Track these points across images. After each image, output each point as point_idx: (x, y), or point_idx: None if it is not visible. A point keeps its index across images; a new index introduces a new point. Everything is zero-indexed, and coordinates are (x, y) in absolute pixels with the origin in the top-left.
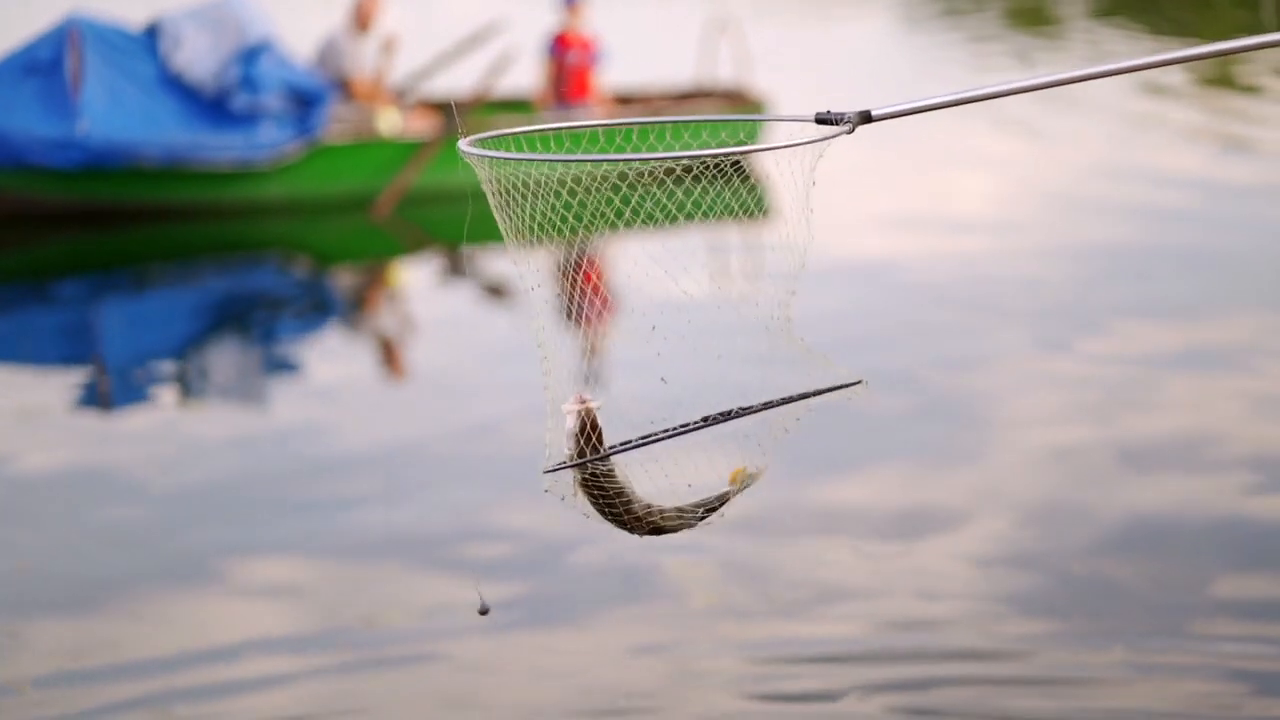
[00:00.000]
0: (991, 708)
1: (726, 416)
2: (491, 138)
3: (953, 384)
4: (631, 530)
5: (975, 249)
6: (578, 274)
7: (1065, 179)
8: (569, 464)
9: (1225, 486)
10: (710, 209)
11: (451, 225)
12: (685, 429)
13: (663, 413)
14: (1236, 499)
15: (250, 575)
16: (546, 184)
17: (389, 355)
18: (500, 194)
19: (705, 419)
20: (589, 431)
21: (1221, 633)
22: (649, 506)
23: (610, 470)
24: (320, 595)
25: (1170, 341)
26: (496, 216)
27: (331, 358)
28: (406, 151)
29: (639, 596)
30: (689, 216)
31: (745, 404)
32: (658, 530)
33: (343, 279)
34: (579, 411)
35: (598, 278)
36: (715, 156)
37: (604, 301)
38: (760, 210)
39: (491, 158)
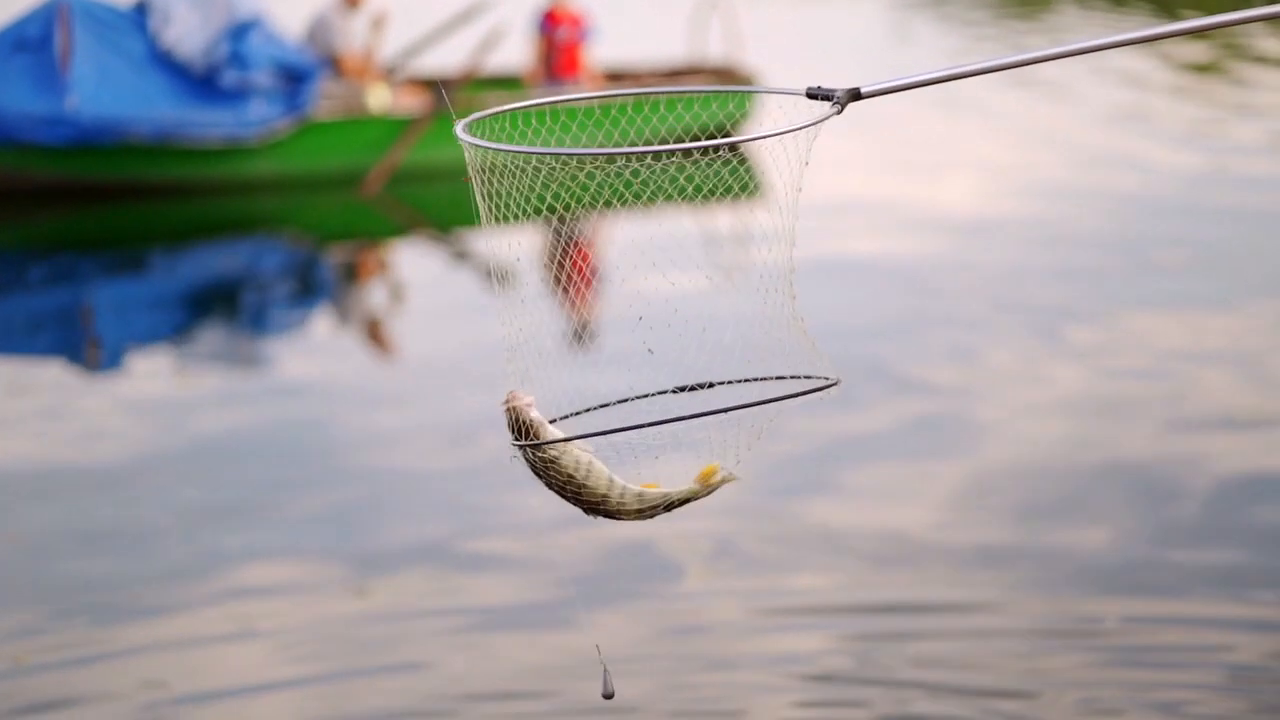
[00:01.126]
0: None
1: (695, 387)
2: (483, 117)
3: (941, 372)
4: (587, 512)
5: (964, 239)
6: (566, 253)
7: (1056, 167)
8: (520, 444)
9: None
10: (701, 188)
11: (441, 202)
12: (642, 425)
13: (642, 390)
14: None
15: (233, 549)
16: (535, 164)
17: (377, 332)
18: (486, 171)
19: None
20: (518, 427)
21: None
22: (607, 493)
23: (555, 458)
24: (310, 573)
25: (1163, 331)
26: (477, 196)
27: (320, 335)
28: (396, 128)
29: (637, 571)
30: (679, 196)
31: (717, 400)
32: (612, 516)
33: (332, 256)
34: (506, 409)
35: (586, 258)
36: (707, 147)
37: (590, 282)
38: (751, 190)
39: (486, 148)
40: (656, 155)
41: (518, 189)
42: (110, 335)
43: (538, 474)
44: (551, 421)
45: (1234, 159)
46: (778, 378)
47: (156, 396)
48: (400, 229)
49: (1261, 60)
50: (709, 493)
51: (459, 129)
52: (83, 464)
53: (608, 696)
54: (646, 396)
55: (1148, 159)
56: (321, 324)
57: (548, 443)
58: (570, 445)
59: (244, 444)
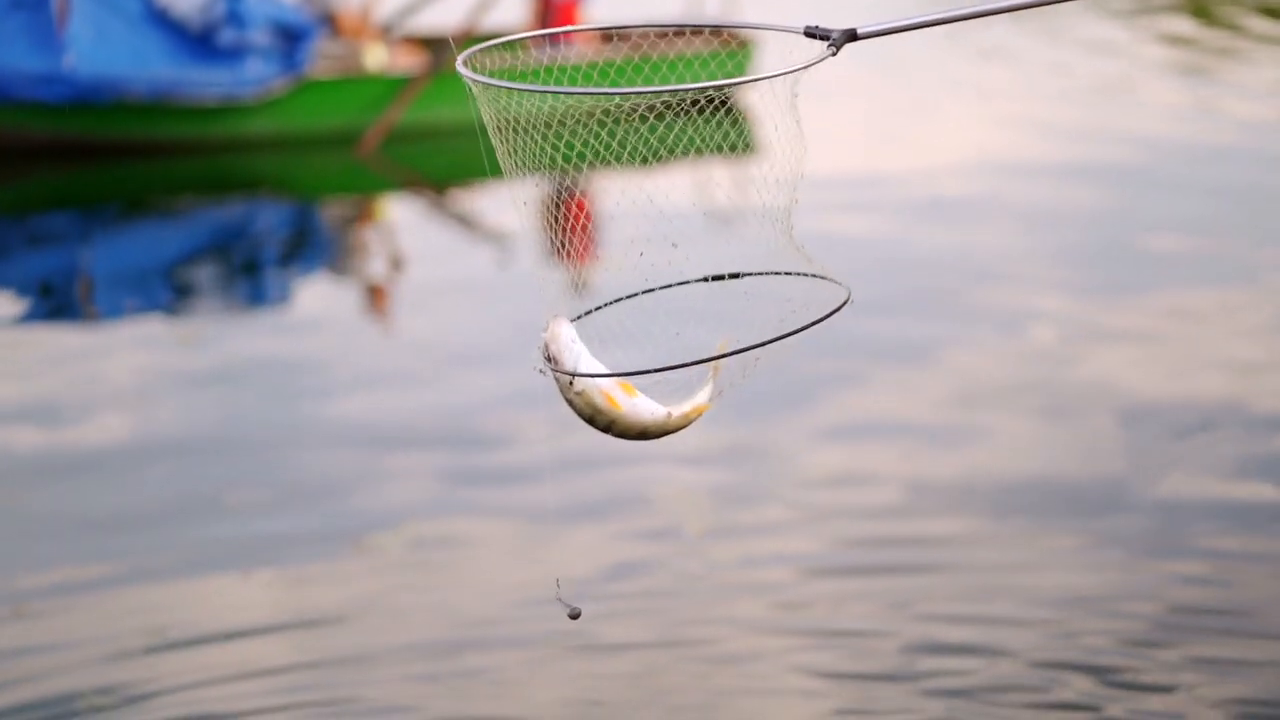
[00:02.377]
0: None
1: (722, 277)
2: (485, 48)
3: (939, 321)
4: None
5: (972, 193)
6: (564, 210)
7: (1053, 123)
8: (554, 371)
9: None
10: (696, 145)
11: (438, 161)
12: (659, 369)
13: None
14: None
15: (227, 508)
16: (533, 120)
17: (373, 291)
18: (488, 110)
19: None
20: (547, 354)
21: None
22: (639, 432)
23: (579, 395)
24: (303, 531)
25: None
26: (489, 128)
27: (316, 293)
28: (393, 87)
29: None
30: (675, 153)
31: (741, 289)
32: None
33: (328, 214)
34: (544, 339)
35: (584, 213)
36: (702, 90)
37: (589, 237)
38: (746, 146)
39: (486, 84)
40: (652, 109)
41: (519, 144)
42: (106, 293)
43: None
44: (579, 318)
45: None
46: (798, 274)
47: (152, 355)
48: (397, 188)
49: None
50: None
51: (459, 62)
52: (78, 425)
53: (574, 616)
54: (672, 286)
55: (1151, 109)
56: (317, 282)
57: (560, 371)
58: (588, 392)
59: (239, 402)
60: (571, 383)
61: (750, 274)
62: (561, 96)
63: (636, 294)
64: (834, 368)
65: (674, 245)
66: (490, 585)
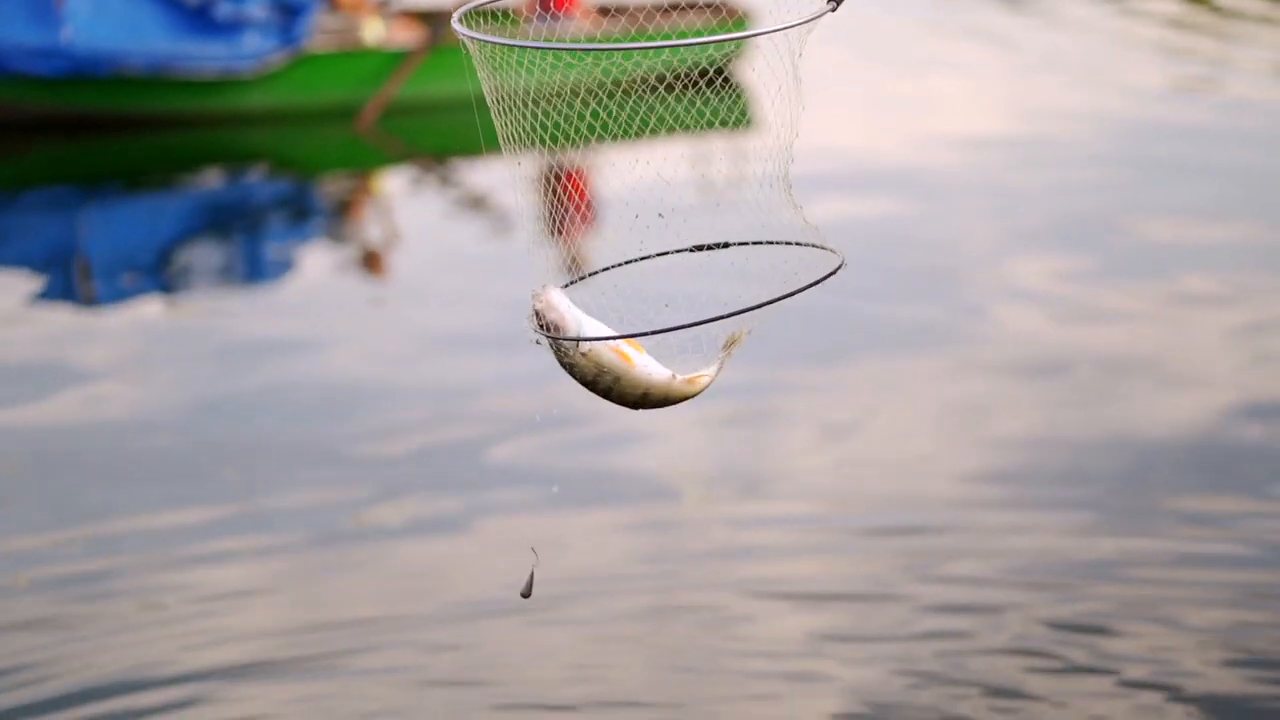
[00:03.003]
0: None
1: (711, 246)
2: (481, 7)
3: (931, 289)
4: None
5: (960, 163)
6: (561, 184)
7: (1043, 95)
8: (545, 336)
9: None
10: (694, 120)
11: (436, 136)
12: (659, 330)
13: (649, 308)
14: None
15: (220, 481)
16: (530, 94)
17: (370, 265)
18: (484, 69)
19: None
20: (541, 324)
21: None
22: (641, 393)
23: (574, 364)
24: (295, 500)
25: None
26: (485, 93)
27: (313, 267)
28: (391, 61)
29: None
30: (673, 128)
31: (728, 259)
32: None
33: (326, 188)
34: (534, 306)
35: (582, 188)
36: (702, 43)
37: (587, 211)
38: (744, 121)
39: (481, 40)
40: (647, 90)
41: (516, 117)
42: (104, 266)
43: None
44: (569, 284)
45: (1225, 86)
46: (788, 243)
47: (148, 329)
48: (395, 162)
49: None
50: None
51: (455, 19)
52: (76, 398)
53: (525, 595)
54: (664, 255)
55: (1138, 84)
56: (314, 256)
57: (564, 339)
58: (596, 350)
59: (236, 377)
60: (577, 345)
61: (739, 244)
62: (559, 69)
63: (622, 263)
64: (826, 341)
65: (660, 215)
66: (487, 559)
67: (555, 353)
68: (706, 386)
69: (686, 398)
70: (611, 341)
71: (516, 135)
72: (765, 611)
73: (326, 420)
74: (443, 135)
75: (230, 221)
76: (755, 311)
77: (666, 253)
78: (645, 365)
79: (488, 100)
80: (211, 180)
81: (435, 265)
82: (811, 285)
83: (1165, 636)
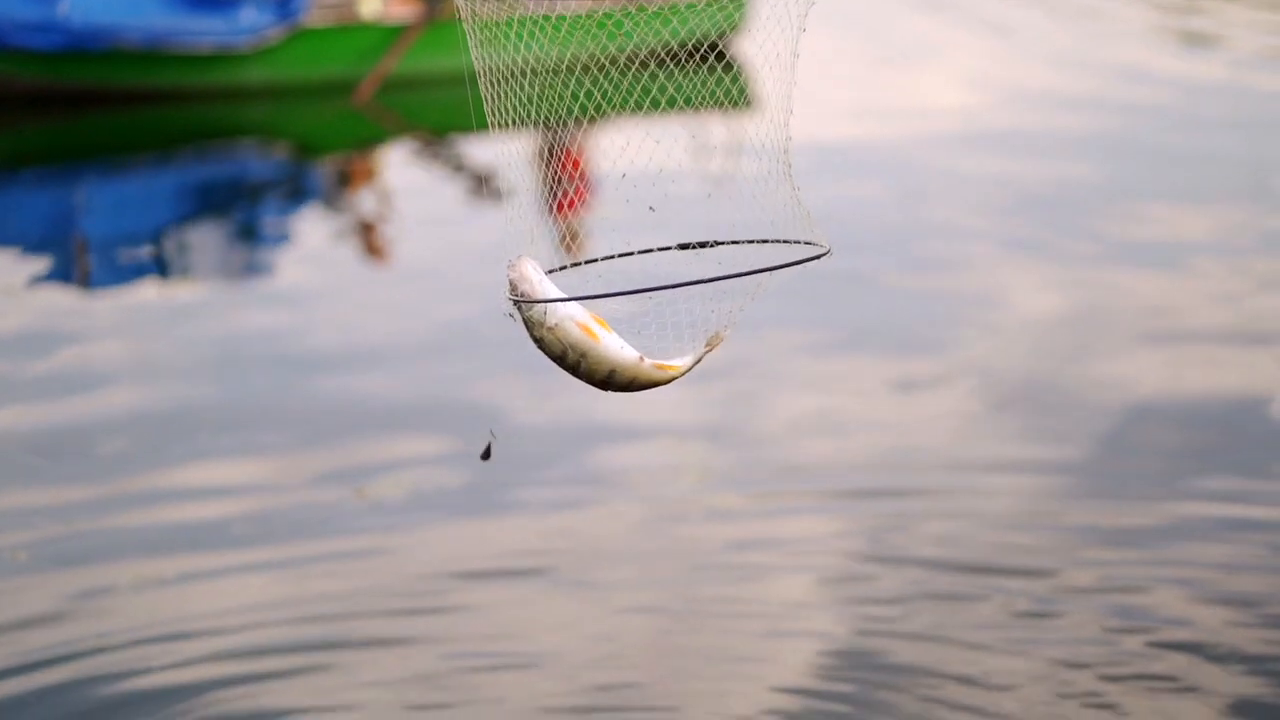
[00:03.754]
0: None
1: (697, 245)
2: None
3: (926, 269)
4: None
5: (945, 139)
6: (559, 159)
7: (1030, 73)
8: (518, 300)
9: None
10: (692, 97)
11: (432, 110)
12: (635, 291)
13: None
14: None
15: (217, 452)
16: (528, 69)
17: (368, 240)
18: (474, 38)
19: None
20: (515, 294)
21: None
22: (608, 371)
23: (542, 339)
24: (292, 473)
25: (1138, 234)
26: (478, 71)
27: (310, 242)
28: (388, 36)
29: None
30: (671, 105)
31: (715, 259)
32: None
33: (323, 163)
34: (510, 277)
35: (579, 163)
36: (700, 12)
37: (583, 188)
38: (742, 99)
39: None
40: (645, 64)
41: (514, 92)
42: (101, 241)
43: (539, 345)
44: (549, 272)
45: (1209, 64)
46: (774, 241)
47: (147, 303)
48: (392, 137)
49: None
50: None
51: None
52: (72, 369)
53: (484, 457)
54: (648, 252)
55: (1126, 61)
56: (312, 231)
57: (535, 301)
58: (563, 325)
59: (232, 349)
60: (545, 317)
61: (725, 242)
62: (556, 43)
63: (610, 256)
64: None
65: (651, 209)
66: (483, 535)
67: (526, 327)
68: (678, 376)
69: (656, 383)
70: (579, 318)
71: (511, 111)
72: (754, 575)
73: (320, 392)
74: (440, 110)
75: (227, 196)
76: (739, 303)
77: (650, 250)
78: (611, 344)
79: (479, 75)
80: (208, 155)
81: (432, 241)
82: (791, 265)
83: (1165, 598)
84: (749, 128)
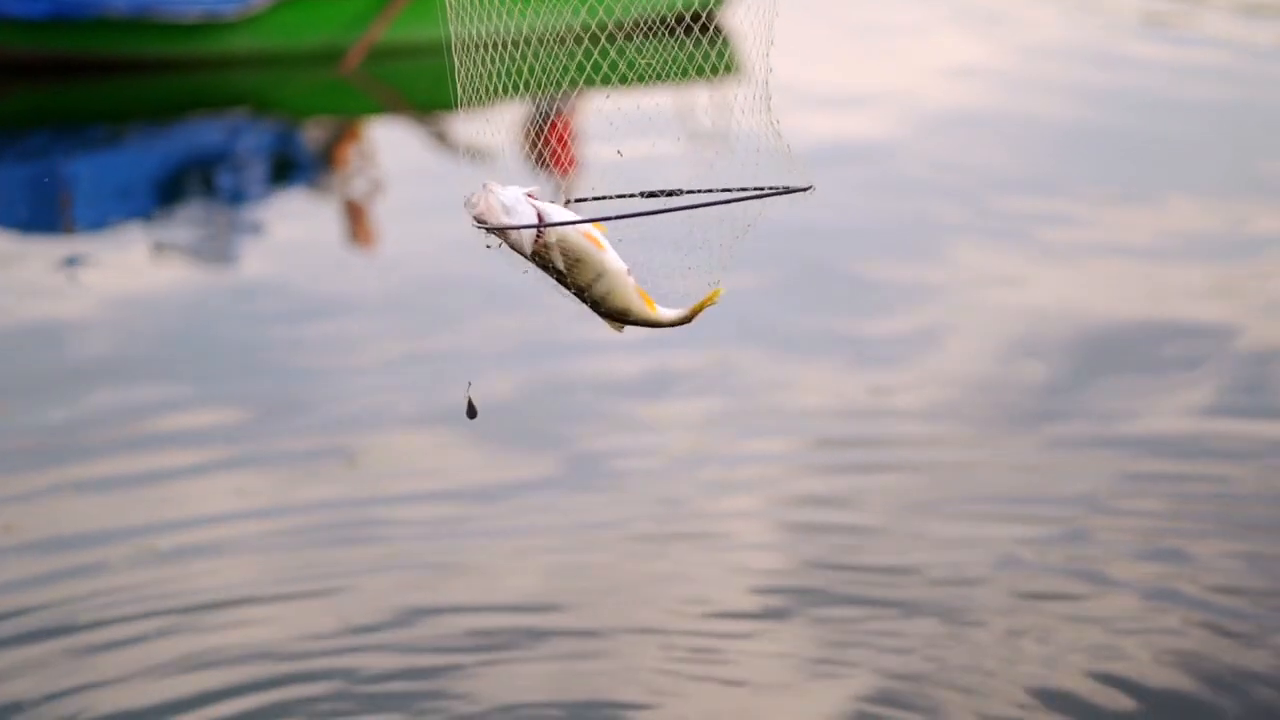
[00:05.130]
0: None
1: (663, 193)
2: None
3: (904, 260)
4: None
5: (926, 126)
6: (545, 131)
7: (1014, 60)
8: (488, 227)
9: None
10: (675, 68)
11: (420, 80)
12: (621, 215)
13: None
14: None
15: (197, 426)
16: (512, 39)
17: (354, 210)
18: (465, 15)
19: (644, 203)
20: (483, 225)
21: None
22: (584, 285)
23: (545, 256)
24: (274, 444)
25: (1118, 222)
26: (456, 44)
27: (296, 212)
28: (375, 5)
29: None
30: (654, 76)
31: (689, 194)
32: (594, 307)
33: (309, 133)
34: (480, 207)
35: (563, 134)
36: None
37: (570, 157)
38: (726, 69)
39: None
40: (628, 36)
41: (497, 62)
42: (86, 211)
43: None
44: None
45: (1190, 50)
46: (751, 189)
47: (132, 274)
48: (379, 106)
49: None
50: (689, 318)
51: None
52: (57, 340)
53: (471, 415)
54: (609, 198)
55: (1109, 48)
56: (298, 201)
57: (503, 228)
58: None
59: (215, 320)
60: (538, 236)
61: (694, 191)
62: (541, 15)
63: (580, 221)
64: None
65: (619, 152)
66: (463, 482)
67: (514, 246)
68: (663, 322)
69: (647, 319)
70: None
71: (495, 82)
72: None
73: (301, 364)
74: (427, 79)
75: (213, 166)
76: (721, 256)
77: (612, 195)
78: (615, 256)
79: (462, 46)
80: (195, 124)
81: (419, 209)
82: (774, 193)
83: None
84: (734, 90)
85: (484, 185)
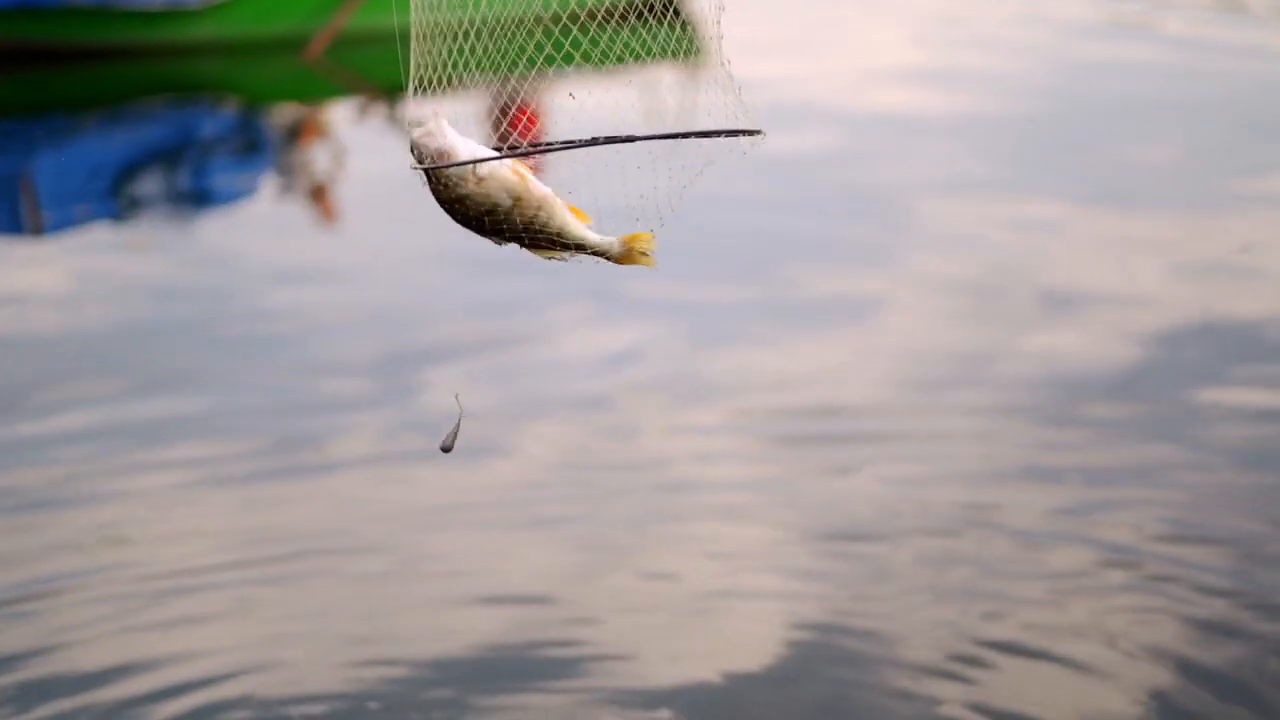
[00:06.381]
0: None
1: (617, 139)
2: None
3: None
4: (498, 239)
5: (900, 100)
6: (511, 117)
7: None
8: (428, 166)
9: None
10: (642, 51)
11: (384, 67)
12: (566, 145)
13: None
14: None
15: (167, 411)
16: (477, 26)
17: (318, 196)
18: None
19: (593, 139)
20: (423, 158)
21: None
22: (525, 220)
23: (481, 182)
24: (240, 428)
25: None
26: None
27: (261, 200)
28: None
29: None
30: (620, 60)
31: (639, 134)
32: (521, 243)
33: (274, 120)
34: (415, 140)
35: (533, 120)
36: None
37: (534, 135)
38: (693, 53)
39: None
40: (594, 21)
41: (468, 50)
42: (51, 200)
43: (446, 208)
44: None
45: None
46: (701, 133)
47: (97, 260)
48: (344, 93)
49: None
50: (622, 258)
51: None
52: (19, 329)
53: (445, 449)
54: (556, 146)
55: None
56: (262, 189)
57: (448, 166)
58: (496, 173)
59: (182, 310)
60: (474, 172)
61: (649, 137)
62: (504, 1)
63: (523, 150)
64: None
65: (570, 94)
66: (430, 480)
67: (441, 189)
68: (596, 246)
69: (585, 243)
70: (507, 164)
71: (458, 68)
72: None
73: (268, 352)
74: (392, 66)
75: (178, 153)
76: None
77: (571, 144)
78: (540, 186)
79: (425, 34)
80: (160, 112)
81: (382, 195)
82: (725, 134)
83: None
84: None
85: (435, 114)
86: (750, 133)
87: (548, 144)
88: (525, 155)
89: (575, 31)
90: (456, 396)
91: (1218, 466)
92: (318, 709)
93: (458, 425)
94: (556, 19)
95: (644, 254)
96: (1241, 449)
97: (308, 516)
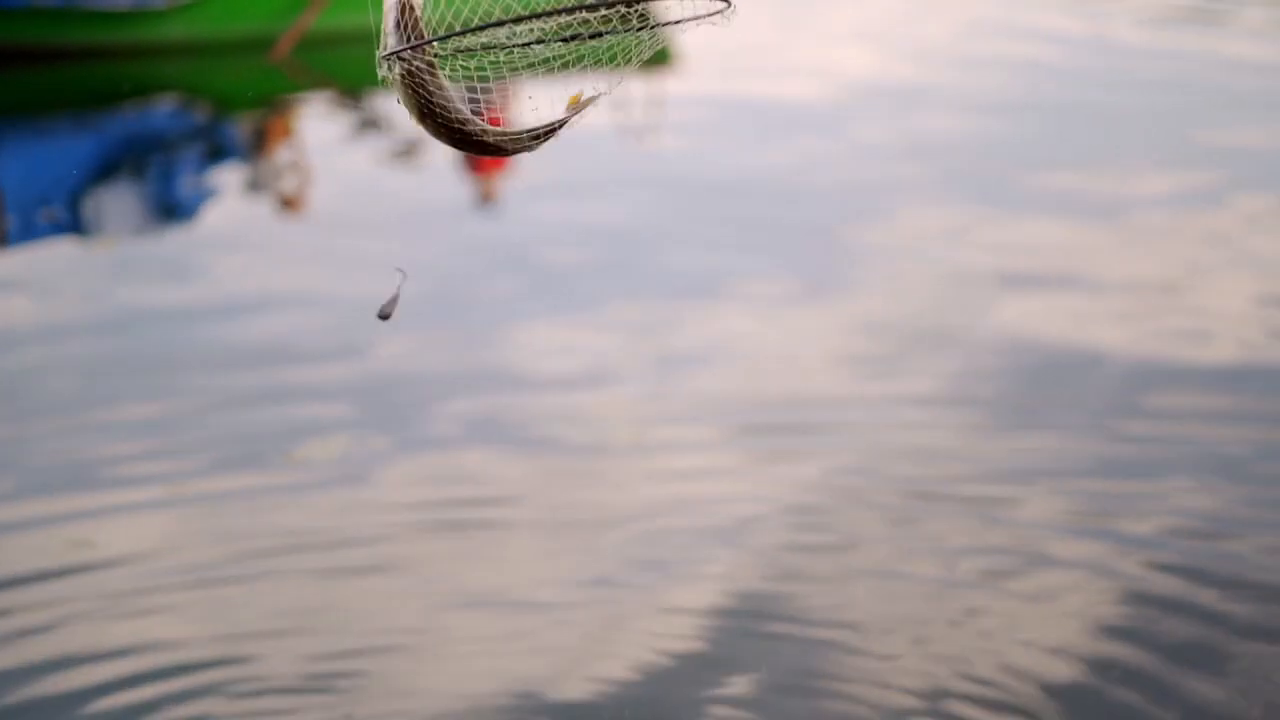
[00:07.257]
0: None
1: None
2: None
3: (848, 228)
4: (455, 143)
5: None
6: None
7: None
8: (401, 49)
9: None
10: (611, 56)
11: (350, 67)
12: (517, 18)
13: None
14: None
15: (133, 415)
16: (445, 28)
17: (287, 203)
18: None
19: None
20: (405, 18)
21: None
22: (478, 122)
23: (430, 68)
24: (207, 432)
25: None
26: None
27: (227, 200)
28: None
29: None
30: (590, 64)
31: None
32: (483, 147)
33: (240, 121)
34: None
35: (498, 123)
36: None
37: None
38: (662, 58)
39: None
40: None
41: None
42: (16, 200)
43: (410, 88)
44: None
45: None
46: (672, 22)
47: (60, 263)
48: (309, 94)
49: None
50: (577, 113)
51: None
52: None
53: (383, 317)
54: (497, 23)
55: (1045, 24)
56: (229, 189)
57: (436, 39)
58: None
59: (148, 314)
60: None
61: (609, 4)
62: (470, 3)
63: (475, 27)
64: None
65: (530, 98)
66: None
67: (410, 77)
68: (548, 126)
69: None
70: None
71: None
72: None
73: (231, 360)
74: (357, 67)
75: (144, 155)
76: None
77: (525, 17)
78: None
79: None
80: (125, 113)
81: (349, 195)
82: (694, 19)
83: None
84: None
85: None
86: (716, 12)
87: (514, 17)
88: (484, 29)
89: (541, 34)
90: (399, 269)
91: (1172, 448)
92: (286, 702)
93: (398, 293)
94: (518, 21)
95: (588, 98)
96: (1197, 439)
97: (275, 520)
